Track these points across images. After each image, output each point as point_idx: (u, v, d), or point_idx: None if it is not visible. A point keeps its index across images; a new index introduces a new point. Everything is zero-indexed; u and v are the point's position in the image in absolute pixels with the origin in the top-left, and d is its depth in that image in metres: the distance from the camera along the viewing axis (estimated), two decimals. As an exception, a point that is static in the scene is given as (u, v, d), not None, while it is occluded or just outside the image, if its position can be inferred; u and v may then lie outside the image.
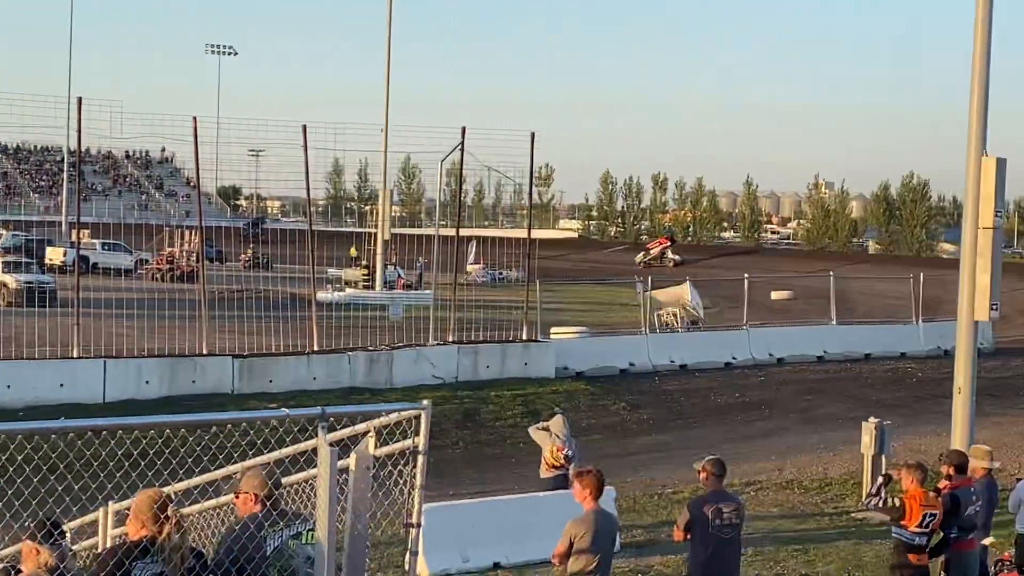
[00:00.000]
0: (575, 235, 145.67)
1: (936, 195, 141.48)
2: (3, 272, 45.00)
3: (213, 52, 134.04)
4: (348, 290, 55.23)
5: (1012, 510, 15.04)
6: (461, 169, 36.99)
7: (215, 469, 9.07)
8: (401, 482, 8.54)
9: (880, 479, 13.74)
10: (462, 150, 35.30)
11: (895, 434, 22.55)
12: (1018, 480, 16.14)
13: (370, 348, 32.71)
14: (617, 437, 28.89)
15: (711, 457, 12.27)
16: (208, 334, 30.67)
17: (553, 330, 38.22)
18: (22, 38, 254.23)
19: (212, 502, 9.13)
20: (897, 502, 12.77)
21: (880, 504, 13.22)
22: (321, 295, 39.39)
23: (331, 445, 7.85)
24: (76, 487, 8.88)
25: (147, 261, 60.61)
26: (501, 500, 18.73)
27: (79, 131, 30.29)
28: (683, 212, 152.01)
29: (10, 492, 7.96)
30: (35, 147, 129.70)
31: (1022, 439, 26.79)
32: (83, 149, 33.26)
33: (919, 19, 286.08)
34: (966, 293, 20.74)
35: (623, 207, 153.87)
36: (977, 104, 20.45)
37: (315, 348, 31.95)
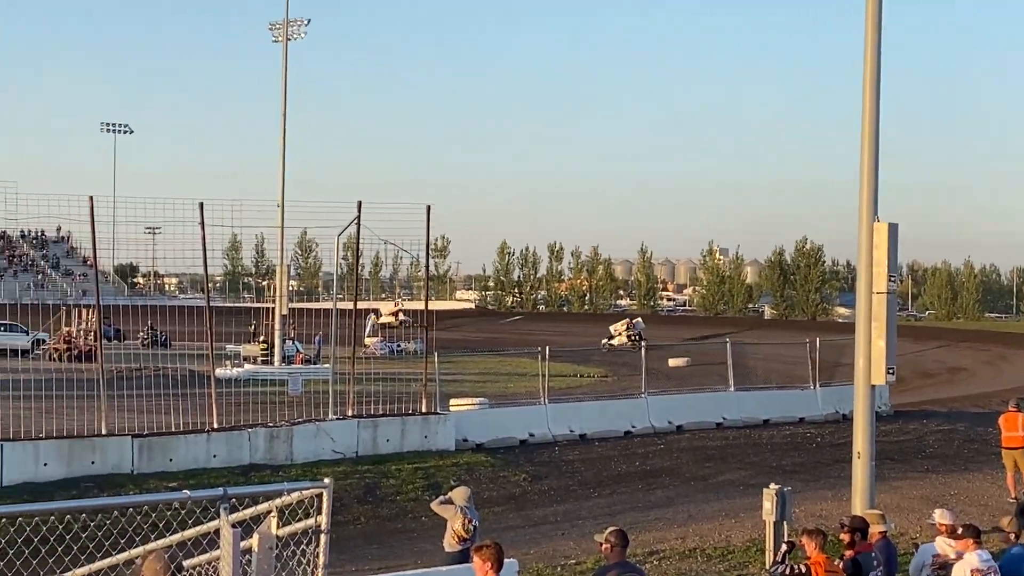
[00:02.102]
0: (472, 306, 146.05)
1: (830, 259, 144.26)
2: None
3: (109, 131, 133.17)
4: (247, 366, 54.92)
5: (913, 574, 15.38)
6: (358, 243, 37.11)
7: (117, 553, 9.12)
8: (304, 561, 8.66)
9: (784, 547, 14.04)
10: (358, 224, 35.46)
11: (796, 499, 22.89)
12: (917, 545, 16.49)
13: (270, 424, 32.56)
14: (519, 508, 28.99)
15: (613, 528, 12.45)
16: (107, 413, 30.34)
17: (452, 402, 38.33)
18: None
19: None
20: (803, 568, 13.05)
21: (787, 572, 13.47)
22: (220, 371, 39.15)
23: (233, 526, 7.95)
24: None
25: (44, 341, 59.80)
26: (405, 575, 18.75)
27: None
28: (579, 281, 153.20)
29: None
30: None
31: (922, 503, 27.23)
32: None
33: (810, 86, 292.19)
34: (862, 358, 21.20)
35: (520, 276, 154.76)
36: (868, 170, 20.98)
37: (215, 426, 31.74)
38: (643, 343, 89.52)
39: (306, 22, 71.28)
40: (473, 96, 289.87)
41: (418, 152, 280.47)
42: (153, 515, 9.11)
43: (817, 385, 44.21)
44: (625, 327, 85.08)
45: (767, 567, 18.62)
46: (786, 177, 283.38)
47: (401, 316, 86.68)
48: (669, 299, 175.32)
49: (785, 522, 20.96)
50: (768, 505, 20.99)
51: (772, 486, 21.31)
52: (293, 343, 61.72)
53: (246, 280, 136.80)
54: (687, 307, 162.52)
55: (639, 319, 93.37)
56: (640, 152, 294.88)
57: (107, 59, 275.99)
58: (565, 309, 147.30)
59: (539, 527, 26.55)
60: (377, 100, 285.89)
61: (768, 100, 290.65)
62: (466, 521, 17.90)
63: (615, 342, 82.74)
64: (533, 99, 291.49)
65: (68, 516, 8.52)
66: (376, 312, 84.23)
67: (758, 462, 35.09)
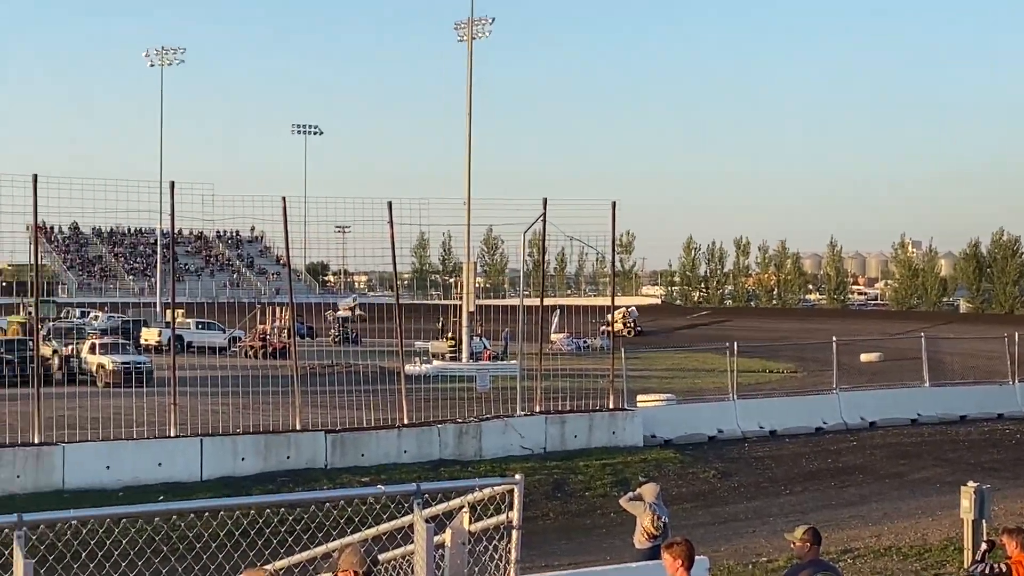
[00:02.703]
0: (658, 301, 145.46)
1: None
2: (100, 354, 45.88)
3: (299, 132, 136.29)
4: (435, 362, 55.59)
5: None
6: (543, 239, 37.23)
7: (315, 546, 9.29)
8: (497, 557, 8.69)
9: (984, 546, 13.63)
10: (544, 220, 35.57)
11: (995, 498, 22.21)
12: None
13: (459, 420, 32.92)
14: (708, 505, 28.75)
15: (806, 526, 12.21)
16: (301, 410, 31.05)
17: (640, 398, 38.19)
18: (116, 123, 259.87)
19: (313, 580, 9.33)
20: (1003, 567, 12.66)
21: (986, 571, 13.08)
22: (409, 368, 39.74)
23: (427, 521, 8.04)
24: (180, 568, 9.12)
25: (240, 338, 61.47)
26: (596, 571, 18.71)
27: (172, 214, 30.95)
28: (767, 275, 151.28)
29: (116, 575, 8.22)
30: (129, 230, 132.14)
31: None
32: (176, 231, 33.95)
33: (1008, 73, 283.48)
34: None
35: (706, 272, 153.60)
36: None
37: (405, 421, 32.22)
38: (637, 329, 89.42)
39: (491, 20, 71.94)
40: (658, 92, 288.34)
41: (603, 148, 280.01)
42: (349, 509, 9.25)
43: (1016, 380, 42.89)
44: (622, 316, 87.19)
45: (965, 567, 18.11)
46: (981, 166, 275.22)
47: (358, 310, 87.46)
48: (860, 293, 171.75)
49: (984, 521, 20.38)
50: (966, 503, 20.43)
51: (970, 484, 20.72)
52: (480, 339, 62.29)
53: (433, 277, 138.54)
54: (879, 301, 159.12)
55: (633, 307, 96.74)
56: (828, 144, 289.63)
57: (297, 62, 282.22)
58: (752, 304, 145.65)
59: (729, 524, 26.29)
60: (562, 97, 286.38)
61: (963, 88, 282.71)
62: (655, 518, 17.77)
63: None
64: (718, 94, 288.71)
65: (267, 510, 8.75)
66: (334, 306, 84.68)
67: (955, 459, 34.19)
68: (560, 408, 34.81)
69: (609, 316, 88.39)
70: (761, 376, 56.02)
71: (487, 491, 8.84)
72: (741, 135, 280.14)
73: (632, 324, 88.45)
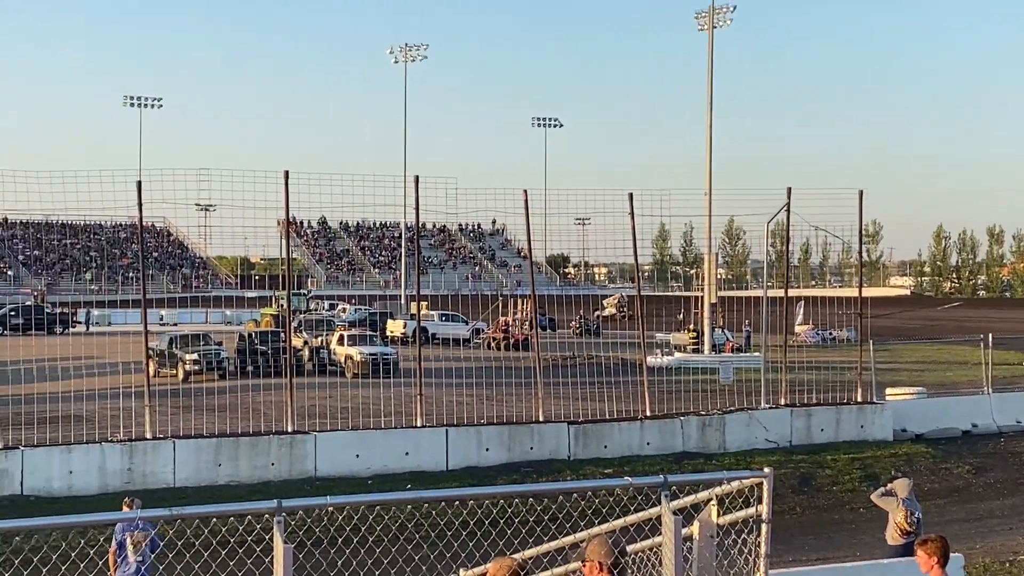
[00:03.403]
0: (907, 292, 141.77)
1: None
2: (348, 345, 47.08)
3: (540, 125, 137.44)
4: (677, 354, 55.29)
5: None
6: (788, 230, 36.66)
7: (562, 536, 9.30)
8: (745, 551, 8.56)
9: None
10: (788, 210, 35.02)
11: None
12: None
13: (702, 413, 32.68)
14: (962, 501, 27.87)
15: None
16: (543, 401, 31.27)
17: (889, 391, 37.23)
18: (361, 119, 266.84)
19: (561, 570, 9.34)
20: None
21: None
22: (651, 360, 39.62)
23: (674, 513, 7.96)
24: (432, 556, 9.26)
25: (482, 330, 62.31)
26: (847, 567, 18.33)
27: (416, 208, 31.51)
28: (1023, 265, 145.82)
29: (370, 561, 8.39)
30: (375, 224, 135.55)
31: None
32: (420, 224, 34.62)
33: None
34: None
35: (957, 261, 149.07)
36: None
37: (648, 413, 32.14)
38: (629, 314, 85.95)
39: (732, 8, 71.16)
40: (902, 77, 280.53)
41: (848, 136, 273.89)
42: (596, 500, 9.24)
43: None
44: (616, 300, 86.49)
45: None
46: None
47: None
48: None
49: None
50: None
51: None
52: (722, 331, 61.70)
53: (674, 269, 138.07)
54: None
55: (622, 293, 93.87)
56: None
57: (538, 56, 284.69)
58: (1007, 295, 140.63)
59: (984, 521, 25.44)
60: (804, 84, 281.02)
61: None
62: (908, 514, 17.29)
63: (605, 314, 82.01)
64: (964, 76, 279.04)
65: (515, 500, 8.78)
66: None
67: None
68: (805, 401, 34.24)
69: (604, 302, 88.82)
70: (1018, 369, 53.94)
71: (735, 484, 8.71)
72: (993, 118, 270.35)
73: (624, 308, 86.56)
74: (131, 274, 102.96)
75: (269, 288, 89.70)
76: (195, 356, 43.20)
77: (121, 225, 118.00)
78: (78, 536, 14.72)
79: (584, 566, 8.05)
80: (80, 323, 65.80)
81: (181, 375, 42.50)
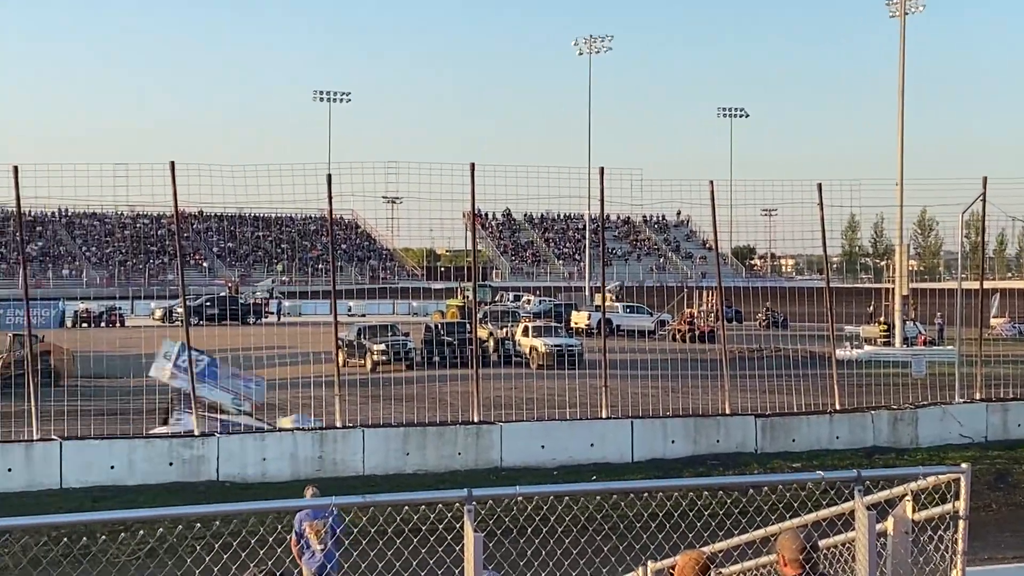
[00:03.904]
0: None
1: None
2: (533, 336, 47.34)
3: (725, 115, 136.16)
4: (867, 347, 54.24)
5: None
6: (983, 220, 35.69)
7: (752, 530, 9.19)
8: (942, 547, 8.36)
9: None
10: (984, 200, 34.05)
11: None
12: None
13: (893, 407, 32.00)
14: None
15: None
16: (730, 393, 30.98)
17: (1091, 386, 35.91)
18: (546, 111, 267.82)
19: (751, 563, 9.24)
20: None
21: None
22: (840, 353, 38.95)
23: (868, 508, 7.80)
24: (620, 547, 9.24)
25: (667, 322, 62.02)
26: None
27: (601, 199, 31.49)
28: None
29: (559, 551, 8.40)
30: (558, 216, 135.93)
31: None
32: (604, 216, 34.59)
33: None
34: None
35: None
36: None
37: (837, 407, 31.60)
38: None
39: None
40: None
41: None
42: (788, 495, 9.11)
43: None
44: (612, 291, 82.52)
45: None
46: None
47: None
48: None
49: None
50: None
51: None
52: (914, 324, 60.28)
53: (863, 260, 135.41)
54: None
55: (617, 283, 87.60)
56: None
57: (723, 46, 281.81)
58: None
59: None
60: (1000, 70, 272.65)
61: None
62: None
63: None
64: None
65: (705, 492, 8.72)
66: None
67: None
68: (1002, 395, 33.28)
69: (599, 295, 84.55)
70: None
71: (930, 480, 8.49)
72: None
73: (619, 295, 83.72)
74: (320, 266, 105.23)
75: (454, 280, 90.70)
76: (383, 346, 43.95)
77: (311, 218, 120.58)
78: (275, 521, 15.06)
79: (783, 560, 7.94)
80: (272, 313, 67.64)
81: (369, 365, 43.27)
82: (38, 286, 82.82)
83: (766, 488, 8.17)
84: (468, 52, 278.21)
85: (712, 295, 54.01)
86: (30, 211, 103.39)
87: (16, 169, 27.11)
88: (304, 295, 79.78)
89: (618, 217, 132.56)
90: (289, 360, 36.56)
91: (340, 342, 33.04)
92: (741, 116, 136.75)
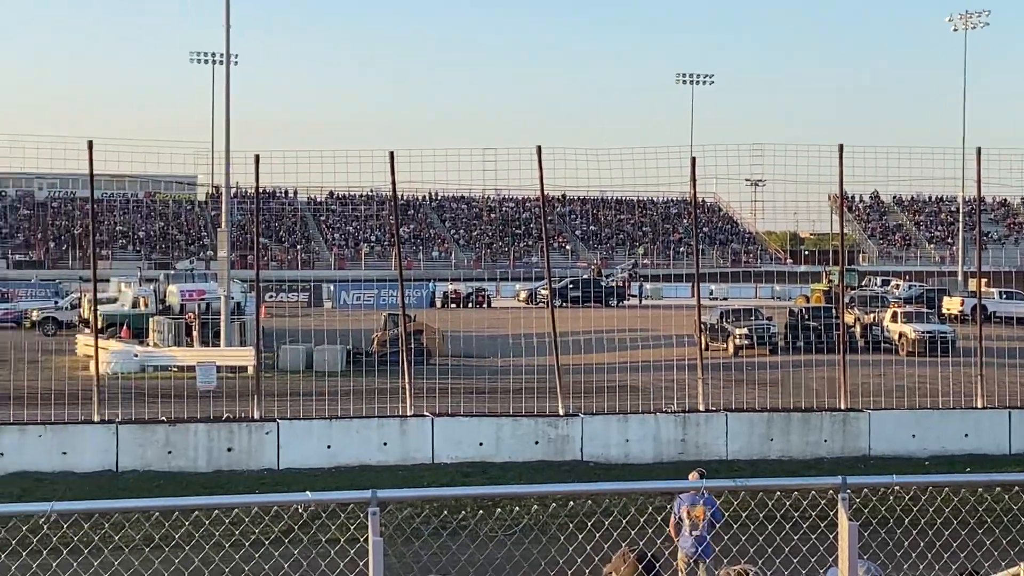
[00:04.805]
0: None
1: None
2: (902, 322, 45.91)
3: None
4: None
5: None
6: None
7: None
8: None
9: None
10: None
11: None
12: None
13: None
14: None
15: None
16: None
17: None
18: (918, 91, 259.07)
19: None
20: None
21: None
22: None
23: None
24: (1005, 541, 8.77)
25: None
26: None
27: (978, 181, 30.24)
28: None
29: (937, 543, 8.02)
30: (930, 198, 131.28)
31: None
32: (980, 198, 33.16)
33: None
34: None
35: None
36: None
37: None
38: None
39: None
40: None
41: None
42: None
43: None
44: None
45: None
46: None
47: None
48: None
49: None
50: None
51: None
52: None
53: None
54: None
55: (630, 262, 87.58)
56: None
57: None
58: None
59: None
60: None
61: None
62: None
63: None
64: None
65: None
66: None
67: None
68: None
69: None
70: None
71: None
72: None
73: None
74: (682, 249, 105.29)
75: (819, 263, 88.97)
76: (745, 330, 43.60)
77: (672, 201, 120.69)
78: (645, 503, 15.05)
79: None
80: (634, 296, 68.17)
81: (731, 349, 43.03)
82: (409, 267, 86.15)
83: None
84: (830, 33, 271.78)
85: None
86: (403, 195, 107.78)
87: (392, 155, 28.26)
88: (667, 278, 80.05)
89: (994, 199, 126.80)
90: (652, 343, 36.68)
91: (703, 325, 32.91)
92: None
